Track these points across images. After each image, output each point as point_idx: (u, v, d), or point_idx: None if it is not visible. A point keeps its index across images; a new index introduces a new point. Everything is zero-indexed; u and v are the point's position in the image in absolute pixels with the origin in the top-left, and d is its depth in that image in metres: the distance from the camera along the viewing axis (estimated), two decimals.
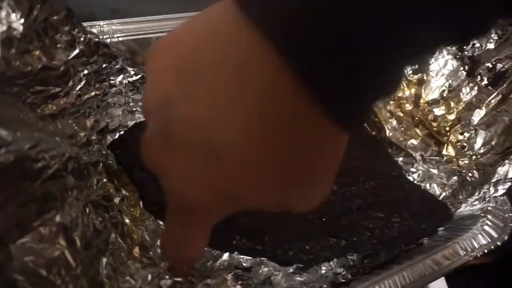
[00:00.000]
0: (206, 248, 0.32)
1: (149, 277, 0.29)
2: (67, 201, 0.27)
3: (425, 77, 0.40)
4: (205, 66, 0.14)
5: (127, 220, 0.32)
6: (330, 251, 0.32)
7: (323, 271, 0.34)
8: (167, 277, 0.29)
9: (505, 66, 0.37)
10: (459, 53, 0.38)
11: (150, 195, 0.33)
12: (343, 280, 0.33)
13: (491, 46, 0.37)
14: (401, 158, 0.41)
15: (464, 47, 0.38)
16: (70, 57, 0.27)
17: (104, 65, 0.31)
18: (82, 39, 0.27)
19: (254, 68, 0.13)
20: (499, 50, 0.37)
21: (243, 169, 0.14)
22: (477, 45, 0.38)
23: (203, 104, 0.14)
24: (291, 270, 0.34)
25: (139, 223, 0.34)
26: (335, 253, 0.33)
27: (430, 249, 0.34)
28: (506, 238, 0.35)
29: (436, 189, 0.40)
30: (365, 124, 0.44)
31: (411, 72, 0.41)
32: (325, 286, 0.32)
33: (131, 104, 0.37)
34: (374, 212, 0.35)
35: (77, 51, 0.27)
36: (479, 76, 0.38)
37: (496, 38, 0.37)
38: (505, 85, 0.37)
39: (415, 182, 0.40)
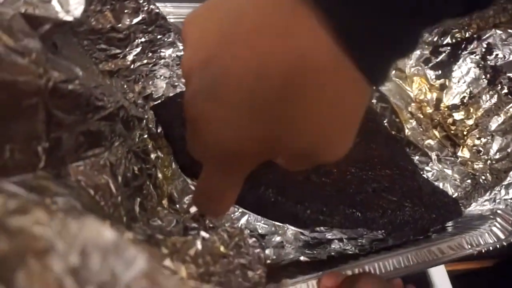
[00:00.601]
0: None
1: (174, 221, 0.32)
2: (114, 144, 0.31)
3: (447, 83, 0.43)
4: (249, 28, 0.15)
5: (159, 175, 0.36)
6: (344, 219, 0.34)
7: (333, 247, 0.36)
8: (192, 223, 0.32)
9: None
10: (482, 62, 0.41)
11: (184, 155, 0.36)
12: (351, 253, 0.35)
13: None
14: (417, 157, 0.43)
15: (488, 56, 0.40)
16: (133, 23, 0.32)
17: (158, 36, 0.36)
18: (145, 8, 0.32)
19: (296, 29, 0.15)
20: None
21: (283, 119, 0.16)
22: (500, 55, 0.40)
23: (249, 61, 0.15)
24: (300, 244, 0.37)
25: (169, 182, 0.37)
26: (349, 223, 0.35)
27: (436, 240, 0.36)
28: None
29: (449, 189, 0.41)
30: (385, 123, 0.47)
31: (434, 77, 0.43)
32: (333, 253, 0.34)
33: (174, 79, 0.42)
34: (388, 195, 0.37)
35: (139, 18, 0.32)
36: (499, 85, 0.40)
37: None
38: None
39: (429, 180, 0.42)
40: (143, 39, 0.35)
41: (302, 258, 0.35)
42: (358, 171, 0.38)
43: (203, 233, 0.32)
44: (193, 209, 0.35)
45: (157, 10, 0.33)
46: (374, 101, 0.49)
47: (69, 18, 0.21)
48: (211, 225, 0.32)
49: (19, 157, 0.18)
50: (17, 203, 0.15)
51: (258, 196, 0.34)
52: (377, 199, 0.36)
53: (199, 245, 0.30)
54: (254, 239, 0.34)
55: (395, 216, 0.36)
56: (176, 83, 0.43)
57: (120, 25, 0.31)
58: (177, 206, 0.35)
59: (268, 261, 0.33)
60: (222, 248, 0.31)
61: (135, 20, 0.32)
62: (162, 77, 0.41)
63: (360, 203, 0.36)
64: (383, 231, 0.37)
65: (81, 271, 0.14)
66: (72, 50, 0.29)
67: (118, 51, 0.33)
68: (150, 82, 0.40)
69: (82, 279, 0.13)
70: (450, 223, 0.40)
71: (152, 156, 0.36)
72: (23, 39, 0.18)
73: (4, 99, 0.17)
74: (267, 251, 0.35)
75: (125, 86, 0.36)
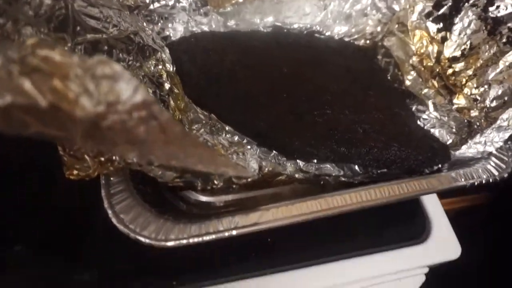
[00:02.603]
0: None
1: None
2: (130, 64, 0.35)
3: (448, 35, 0.44)
4: None
5: (172, 103, 0.40)
6: (330, 152, 0.37)
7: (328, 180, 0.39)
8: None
9: None
10: (483, 14, 0.42)
11: (191, 89, 0.41)
12: (344, 180, 0.37)
13: None
14: (415, 106, 0.45)
15: (489, 8, 0.42)
16: None
17: None
18: None
19: None
20: None
21: None
22: (502, 6, 0.41)
23: None
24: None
25: (182, 112, 0.42)
26: (334, 156, 0.38)
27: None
28: (506, 175, 0.38)
29: (444, 136, 0.43)
30: (388, 77, 0.49)
31: (435, 30, 0.45)
32: (327, 178, 0.37)
33: (192, 23, 0.46)
34: (377, 136, 0.40)
35: None
36: (499, 35, 0.41)
37: None
38: None
39: (425, 127, 0.44)
40: None
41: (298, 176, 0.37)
42: (352, 114, 0.41)
43: (206, 136, 0.36)
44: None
45: None
46: (379, 57, 0.51)
47: None
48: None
49: None
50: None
51: (254, 127, 0.38)
52: (366, 138, 0.39)
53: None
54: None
55: (381, 154, 0.38)
56: (194, 28, 0.47)
57: None
58: (186, 128, 0.39)
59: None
60: (222, 151, 0.35)
61: None
62: (180, 21, 0.45)
63: (348, 141, 0.38)
64: (374, 170, 0.40)
65: (94, 93, 0.18)
66: None
67: None
68: (169, 25, 0.45)
69: (94, 99, 0.17)
70: (445, 166, 0.41)
71: (166, 86, 0.41)
72: None
73: None
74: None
75: (145, 24, 0.41)
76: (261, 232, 0.31)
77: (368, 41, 0.52)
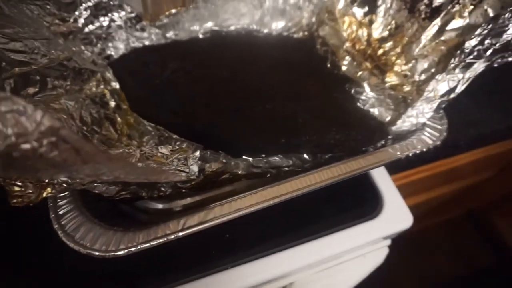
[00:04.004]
0: None
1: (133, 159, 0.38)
2: (68, 89, 0.37)
3: (374, 18, 0.47)
4: None
5: (119, 119, 0.42)
6: (274, 144, 0.39)
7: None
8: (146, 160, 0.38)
9: (440, 1, 0.42)
10: None
11: (136, 97, 0.42)
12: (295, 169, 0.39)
13: None
14: (353, 89, 0.47)
15: None
16: None
17: (104, 0, 0.42)
18: None
19: None
20: None
21: None
22: None
23: None
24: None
25: (130, 128, 0.43)
26: (279, 148, 0.39)
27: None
28: (439, 143, 0.40)
29: (383, 113, 0.45)
30: (328, 65, 0.51)
31: (362, 14, 0.47)
32: (276, 170, 0.39)
33: (131, 39, 0.47)
34: (317, 122, 0.42)
35: None
36: (417, 12, 0.43)
37: None
38: (439, 17, 0.42)
39: (364, 108, 0.46)
40: (89, 3, 0.40)
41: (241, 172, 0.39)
42: (292, 104, 0.43)
43: (147, 148, 0.37)
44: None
45: None
46: (318, 46, 0.53)
47: None
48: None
49: None
50: None
51: (197, 130, 0.39)
52: (306, 126, 0.41)
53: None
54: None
55: (322, 139, 0.40)
56: (135, 44, 0.48)
57: None
58: (135, 142, 0.40)
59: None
60: (163, 160, 0.37)
61: None
62: (120, 39, 0.47)
63: (289, 131, 0.40)
64: (321, 155, 0.42)
65: (1, 128, 0.19)
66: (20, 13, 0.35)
67: (67, 15, 0.39)
68: (110, 44, 0.46)
69: (3, 133, 0.19)
70: (389, 143, 0.44)
71: (112, 103, 0.42)
72: None
73: None
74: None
75: (82, 47, 0.42)
76: (218, 229, 0.32)
77: (306, 33, 0.54)
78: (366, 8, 0.47)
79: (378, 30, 0.47)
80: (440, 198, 0.92)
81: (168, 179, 0.27)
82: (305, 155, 0.42)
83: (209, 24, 0.52)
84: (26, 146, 0.20)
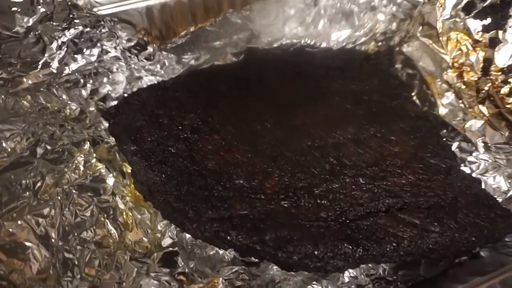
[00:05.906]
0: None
1: (134, 272, 0.27)
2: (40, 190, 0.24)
3: (500, 35, 0.30)
4: None
5: (121, 205, 0.30)
6: (343, 260, 0.26)
7: (346, 280, 0.29)
8: (152, 274, 0.26)
9: None
10: None
11: (140, 173, 0.30)
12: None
13: None
14: (456, 143, 0.32)
15: None
16: (33, 21, 0.24)
17: (86, 30, 0.27)
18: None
19: None
20: None
21: None
22: None
23: None
24: (306, 273, 0.29)
25: (137, 207, 0.31)
26: (349, 263, 0.27)
27: (492, 265, 0.27)
28: None
29: (502, 184, 0.31)
30: (414, 98, 0.35)
31: (480, 28, 0.30)
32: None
33: (134, 69, 0.33)
34: (408, 216, 0.28)
35: (39, 13, 0.23)
36: None
37: None
38: None
39: (472, 175, 0.31)
40: (63, 38, 0.26)
41: None
42: (369, 182, 0.29)
43: None
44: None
45: None
46: (398, 65, 0.37)
47: None
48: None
49: None
50: None
51: (229, 241, 0.27)
52: (391, 223, 0.27)
53: None
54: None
55: (415, 247, 0.27)
56: (140, 73, 0.34)
57: (17, 28, 0.23)
58: (145, 239, 0.28)
59: None
60: None
61: (35, 18, 0.24)
62: (119, 70, 0.33)
63: (366, 233, 0.27)
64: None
65: None
66: None
67: (30, 60, 0.26)
68: (105, 80, 0.32)
69: None
70: None
71: (109, 181, 0.30)
72: None
73: None
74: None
75: (64, 96, 0.29)
76: None
77: (380, 44, 0.38)
78: (489, 20, 0.30)
79: (504, 55, 0.30)
80: None
81: None
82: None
83: (241, 36, 0.37)
84: None
